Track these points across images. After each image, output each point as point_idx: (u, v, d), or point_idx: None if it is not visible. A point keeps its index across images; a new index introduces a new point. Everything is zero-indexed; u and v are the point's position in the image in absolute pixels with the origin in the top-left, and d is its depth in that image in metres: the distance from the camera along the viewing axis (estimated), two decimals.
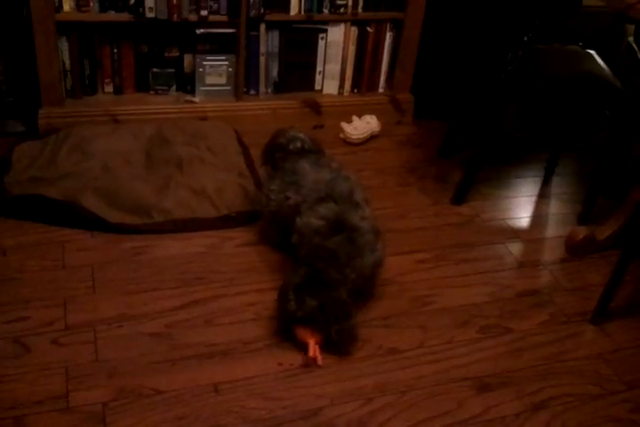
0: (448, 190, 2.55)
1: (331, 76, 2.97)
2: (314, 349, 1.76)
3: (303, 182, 1.99)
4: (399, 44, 2.93)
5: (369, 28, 2.89)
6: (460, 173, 2.60)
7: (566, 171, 2.78)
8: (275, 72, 2.90)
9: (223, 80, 2.86)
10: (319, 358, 1.77)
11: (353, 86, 3.01)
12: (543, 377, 1.81)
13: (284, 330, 1.83)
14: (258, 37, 2.79)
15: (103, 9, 2.60)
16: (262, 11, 2.70)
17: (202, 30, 2.74)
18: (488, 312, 2.02)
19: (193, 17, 2.66)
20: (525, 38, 2.38)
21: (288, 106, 2.91)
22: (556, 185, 2.71)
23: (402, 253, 2.22)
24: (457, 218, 2.44)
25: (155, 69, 2.80)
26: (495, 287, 2.12)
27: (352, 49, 2.92)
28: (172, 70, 2.82)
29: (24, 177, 2.35)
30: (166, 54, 2.79)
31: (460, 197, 2.51)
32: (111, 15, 2.61)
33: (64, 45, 2.64)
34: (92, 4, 2.58)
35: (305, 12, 2.77)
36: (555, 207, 2.57)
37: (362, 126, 2.86)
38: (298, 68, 2.93)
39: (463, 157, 2.72)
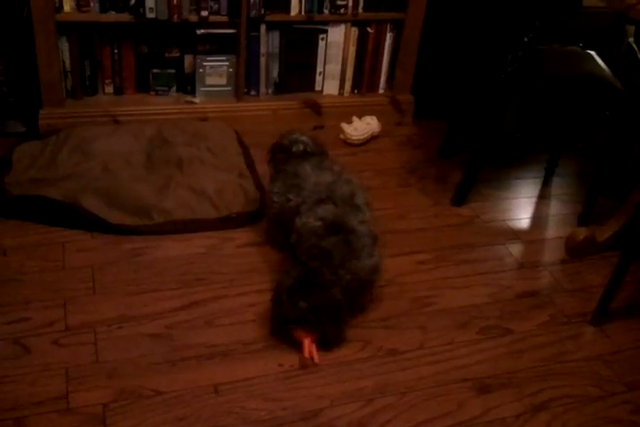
0: (448, 191, 2.55)
1: (331, 77, 2.97)
2: (309, 348, 1.77)
3: (304, 185, 1.99)
4: (399, 45, 2.93)
5: (369, 29, 2.89)
6: (460, 174, 2.60)
7: (566, 172, 2.78)
8: (275, 73, 2.90)
9: (223, 81, 2.86)
10: (316, 356, 1.77)
11: (353, 87, 3.01)
12: (543, 378, 1.81)
13: (279, 331, 1.83)
14: (258, 38, 2.79)
15: (103, 9, 2.60)
16: (263, 11, 2.70)
17: (202, 31, 2.74)
18: (488, 313, 2.02)
19: (193, 17, 2.66)
20: (525, 39, 2.38)
21: (288, 106, 2.91)
22: (557, 186, 2.71)
23: (402, 254, 2.22)
24: (457, 219, 2.44)
25: (155, 70, 2.80)
26: (495, 288, 2.12)
27: (352, 49, 2.92)
28: (173, 71, 2.82)
29: (24, 178, 2.36)
30: (167, 55, 2.79)
31: (460, 198, 2.51)
32: (111, 15, 2.61)
33: (64, 46, 2.64)
34: (92, 4, 2.58)
35: (305, 12, 2.77)
36: (555, 208, 2.57)
37: (362, 127, 2.86)
38: (298, 69, 2.93)
39: (463, 158, 2.72)
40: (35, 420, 1.57)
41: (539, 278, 2.20)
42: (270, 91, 2.94)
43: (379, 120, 2.90)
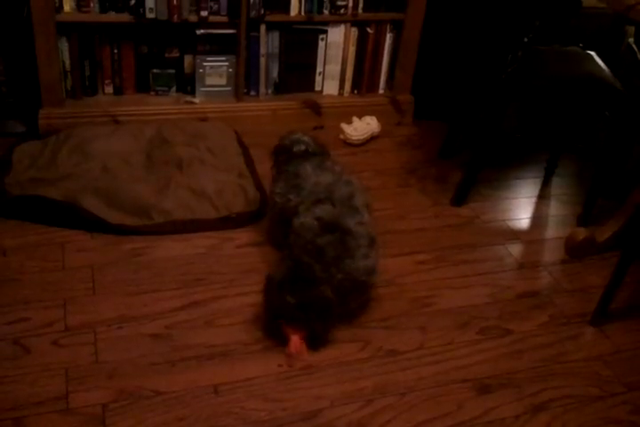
0: (448, 191, 2.55)
1: (331, 77, 2.97)
2: (295, 344, 1.76)
3: (304, 185, 1.99)
4: (399, 45, 2.93)
5: (369, 29, 2.89)
6: (459, 174, 2.60)
7: (566, 172, 2.78)
8: (275, 73, 2.90)
9: (223, 81, 2.86)
10: (304, 353, 1.77)
11: (353, 87, 3.01)
12: (543, 379, 1.81)
13: (270, 325, 1.83)
14: (258, 38, 2.79)
15: (103, 9, 2.60)
16: (262, 11, 2.70)
17: (202, 31, 2.74)
18: (488, 314, 2.02)
19: (193, 18, 2.66)
20: (525, 39, 2.38)
21: (288, 107, 2.91)
22: (556, 186, 2.71)
23: (402, 255, 2.23)
24: (457, 219, 2.44)
25: (155, 70, 2.80)
26: (495, 289, 2.12)
27: (352, 50, 2.92)
28: (173, 71, 2.82)
29: (24, 178, 2.35)
30: (166, 55, 2.79)
31: (460, 199, 2.51)
32: (111, 16, 2.61)
33: (64, 46, 2.64)
34: (92, 4, 2.58)
35: (305, 12, 2.77)
36: (554, 208, 2.58)
37: (362, 127, 2.86)
38: (298, 69, 2.93)
39: (463, 158, 2.72)
40: (34, 420, 1.57)
41: (538, 279, 2.20)
42: (270, 91, 2.94)
43: (378, 120, 2.90)
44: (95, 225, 2.20)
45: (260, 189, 2.43)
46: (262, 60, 2.84)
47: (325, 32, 2.86)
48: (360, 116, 2.89)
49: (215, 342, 1.82)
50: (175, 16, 2.61)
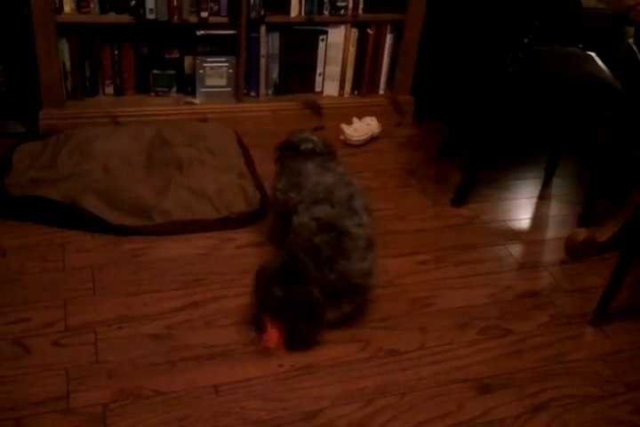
0: (448, 192, 2.56)
1: (331, 78, 2.97)
2: (271, 337, 1.76)
3: (305, 184, 1.99)
4: (399, 46, 2.93)
5: (369, 30, 2.89)
6: (460, 175, 2.60)
7: (566, 172, 2.78)
8: (275, 74, 2.90)
9: (223, 82, 2.86)
10: (279, 348, 1.77)
11: (353, 88, 3.01)
12: (543, 379, 1.81)
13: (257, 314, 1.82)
14: (258, 39, 2.79)
15: (104, 10, 2.60)
16: (263, 12, 2.71)
17: (202, 32, 2.74)
18: (488, 314, 2.02)
19: (193, 18, 2.66)
20: (525, 40, 2.38)
21: (288, 107, 2.91)
22: (556, 187, 2.71)
23: (402, 255, 2.23)
24: (457, 219, 2.44)
25: (155, 71, 2.80)
26: (495, 289, 2.12)
27: (352, 51, 2.92)
28: (173, 72, 2.82)
29: (24, 178, 2.36)
30: (167, 56, 2.79)
31: (460, 199, 2.51)
32: (112, 17, 2.62)
33: (64, 47, 2.64)
34: (92, 5, 2.58)
35: (305, 13, 2.77)
36: (555, 209, 2.58)
37: (362, 128, 2.86)
38: (298, 70, 2.93)
39: (463, 159, 2.72)
40: (35, 420, 1.57)
41: (539, 279, 2.20)
42: (270, 92, 2.94)
43: (379, 121, 2.90)
44: (95, 225, 2.20)
45: (261, 189, 2.43)
46: (262, 61, 2.84)
47: (325, 33, 2.86)
48: (360, 117, 2.89)
49: (215, 343, 1.82)
50: (175, 17, 2.62)
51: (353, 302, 1.89)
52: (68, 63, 2.68)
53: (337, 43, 2.89)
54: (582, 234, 2.27)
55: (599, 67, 2.39)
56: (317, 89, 2.99)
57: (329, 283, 1.80)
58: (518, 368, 1.84)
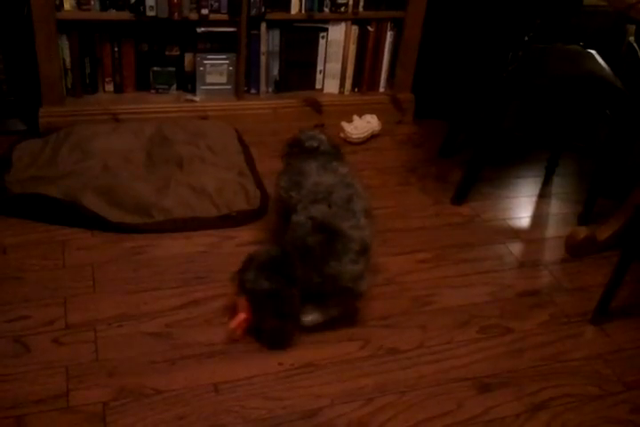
0: (448, 190, 2.55)
1: (331, 76, 2.97)
2: (238, 322, 1.76)
3: (305, 183, 1.98)
4: (400, 44, 2.93)
5: (370, 27, 2.89)
6: (460, 173, 2.60)
7: (567, 171, 2.78)
8: (275, 71, 2.90)
9: (224, 79, 2.86)
10: (238, 333, 1.78)
11: (354, 85, 3.01)
12: (543, 377, 1.81)
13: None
14: (258, 36, 2.78)
15: (104, 7, 2.59)
16: (263, 9, 2.70)
17: (202, 29, 2.73)
18: (488, 312, 2.02)
19: (194, 15, 2.66)
20: (526, 38, 2.37)
21: (289, 105, 2.91)
22: (557, 185, 2.71)
23: (402, 253, 2.22)
24: (457, 218, 2.44)
25: (155, 68, 2.80)
26: (495, 287, 2.12)
27: (353, 48, 2.92)
28: (173, 69, 2.82)
29: (25, 176, 2.35)
30: (167, 53, 2.78)
31: (460, 197, 2.50)
32: (112, 14, 2.61)
33: (65, 44, 2.64)
34: (92, 2, 2.57)
35: (306, 10, 2.76)
36: (555, 207, 2.57)
37: (362, 126, 2.86)
38: (298, 67, 2.92)
39: (464, 157, 2.71)
40: (35, 418, 1.57)
41: (539, 277, 2.20)
42: (270, 89, 2.94)
43: (379, 119, 2.90)
44: (95, 223, 2.20)
45: (261, 187, 2.43)
46: (263, 59, 2.84)
47: (326, 30, 2.85)
48: (360, 115, 2.89)
49: (215, 341, 1.82)
50: (176, 14, 2.61)
51: (340, 306, 1.88)
52: (68, 60, 2.67)
53: (337, 40, 2.89)
54: (582, 232, 2.27)
55: (600, 65, 2.39)
56: (318, 86, 2.99)
57: (317, 284, 1.79)
58: (518, 367, 1.84)
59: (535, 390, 1.77)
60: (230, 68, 2.83)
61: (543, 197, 2.64)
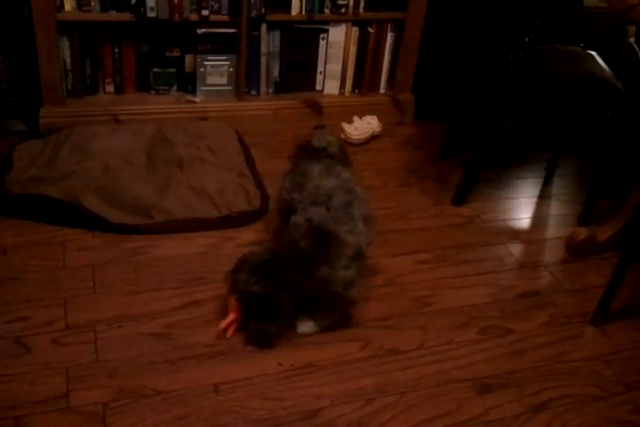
0: (449, 191, 2.55)
1: (332, 77, 2.97)
2: (227, 322, 1.79)
3: (306, 186, 1.97)
4: (400, 45, 2.93)
5: (370, 29, 2.89)
6: (460, 174, 2.60)
7: (567, 172, 2.78)
8: (276, 72, 2.90)
9: (224, 80, 2.86)
10: (229, 333, 1.81)
11: (354, 86, 3.01)
12: (543, 378, 1.81)
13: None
14: (259, 37, 2.79)
15: (104, 8, 2.60)
16: (263, 11, 2.70)
17: (203, 30, 2.74)
18: (488, 313, 2.02)
19: (194, 17, 2.66)
20: (526, 39, 2.38)
21: (289, 106, 2.91)
22: (557, 186, 2.71)
23: (402, 254, 2.23)
24: (457, 219, 2.44)
25: (156, 69, 2.80)
26: (495, 288, 2.12)
27: (353, 49, 2.92)
28: (173, 70, 2.82)
29: (25, 176, 2.36)
30: (167, 54, 2.79)
31: (460, 198, 2.51)
32: (112, 15, 2.61)
33: (65, 45, 2.64)
34: (93, 3, 2.58)
35: (306, 12, 2.77)
36: (555, 208, 2.57)
37: (363, 127, 2.86)
38: (299, 68, 2.93)
39: (464, 158, 2.72)
40: (35, 419, 1.57)
41: (539, 278, 2.20)
42: (271, 90, 2.94)
43: (379, 120, 2.90)
44: (96, 224, 2.20)
45: (261, 188, 2.43)
46: (263, 60, 2.84)
47: (326, 31, 2.86)
48: (361, 116, 2.89)
49: (215, 342, 1.82)
50: (176, 15, 2.62)
51: (331, 313, 1.88)
52: (68, 61, 2.68)
53: (338, 41, 2.89)
54: (583, 233, 2.27)
55: (600, 66, 2.39)
56: (318, 87, 2.99)
57: (307, 288, 1.78)
58: (518, 368, 1.84)
59: (535, 390, 1.77)
60: (231, 69, 2.83)
61: (543, 197, 2.64)
